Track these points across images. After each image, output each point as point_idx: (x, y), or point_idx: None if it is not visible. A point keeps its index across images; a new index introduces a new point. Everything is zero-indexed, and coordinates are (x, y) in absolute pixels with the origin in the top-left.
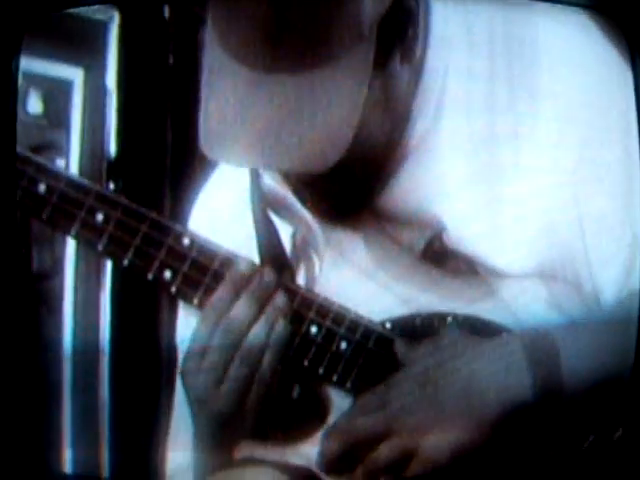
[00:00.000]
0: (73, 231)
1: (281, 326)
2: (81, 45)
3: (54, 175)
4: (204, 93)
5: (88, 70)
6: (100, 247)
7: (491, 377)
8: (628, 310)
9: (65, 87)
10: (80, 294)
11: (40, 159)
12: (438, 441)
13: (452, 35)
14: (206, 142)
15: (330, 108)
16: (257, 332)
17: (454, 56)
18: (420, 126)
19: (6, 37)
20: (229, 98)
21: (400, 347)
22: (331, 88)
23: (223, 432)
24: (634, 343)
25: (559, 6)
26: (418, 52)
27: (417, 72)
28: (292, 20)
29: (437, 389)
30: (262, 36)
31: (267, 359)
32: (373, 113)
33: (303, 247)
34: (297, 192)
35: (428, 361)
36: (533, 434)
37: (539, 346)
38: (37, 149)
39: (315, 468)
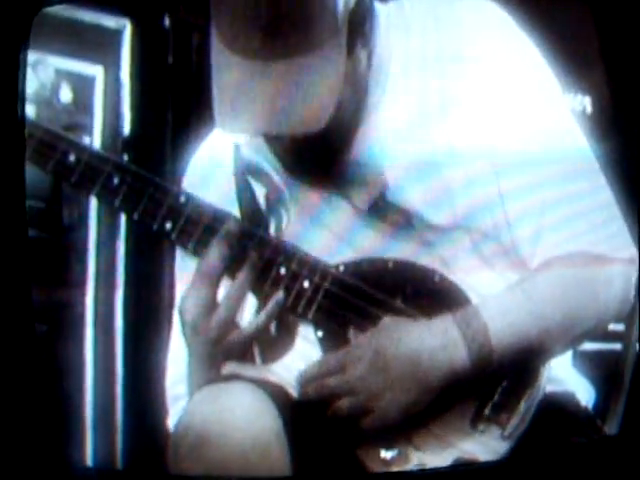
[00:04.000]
0: (95, 192)
1: (256, 269)
2: (101, 48)
3: (81, 148)
4: (214, 83)
5: (107, 67)
6: (116, 204)
7: (431, 353)
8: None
9: (89, 81)
10: (101, 241)
11: (70, 136)
12: (390, 402)
13: (394, 25)
14: (221, 121)
15: (317, 85)
16: (241, 276)
17: (395, 42)
18: (372, 99)
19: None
20: (233, 84)
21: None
22: (316, 70)
23: (211, 355)
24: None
25: None
26: (372, 40)
27: (370, 56)
28: (282, 17)
29: (387, 363)
30: (257, 32)
31: (245, 296)
32: (345, 88)
33: (274, 205)
34: (279, 158)
35: (377, 340)
36: (470, 394)
37: (470, 323)
38: (68, 129)
39: (285, 385)
